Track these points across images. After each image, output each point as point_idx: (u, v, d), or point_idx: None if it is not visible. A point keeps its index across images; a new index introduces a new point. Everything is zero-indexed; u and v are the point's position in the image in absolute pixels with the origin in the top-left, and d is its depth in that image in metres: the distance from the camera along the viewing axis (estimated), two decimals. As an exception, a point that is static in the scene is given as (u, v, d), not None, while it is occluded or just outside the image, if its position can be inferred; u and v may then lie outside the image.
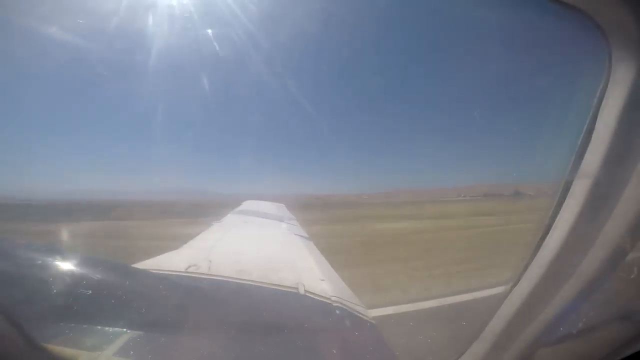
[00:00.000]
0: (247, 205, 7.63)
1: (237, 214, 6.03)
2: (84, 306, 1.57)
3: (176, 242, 3.61)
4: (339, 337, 1.85)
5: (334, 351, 1.72)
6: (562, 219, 0.97)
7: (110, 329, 1.53)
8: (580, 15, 0.83)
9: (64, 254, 1.77)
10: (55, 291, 1.54)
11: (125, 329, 1.53)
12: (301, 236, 4.63)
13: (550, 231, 1.00)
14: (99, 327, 1.53)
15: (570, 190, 0.96)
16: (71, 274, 1.65)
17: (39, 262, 1.60)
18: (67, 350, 1.24)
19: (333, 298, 2.21)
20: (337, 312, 2.07)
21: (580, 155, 0.93)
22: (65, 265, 1.69)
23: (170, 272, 2.33)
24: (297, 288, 2.27)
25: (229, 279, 2.32)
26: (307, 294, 2.22)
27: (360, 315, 2.15)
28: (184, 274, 2.33)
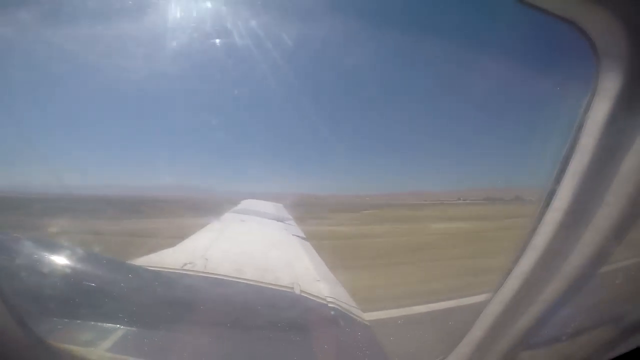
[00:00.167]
0: (246, 204, 7.63)
1: (235, 213, 6.04)
2: (79, 302, 1.58)
3: (173, 239, 3.61)
4: (332, 337, 1.86)
5: (328, 350, 1.73)
6: (545, 225, 1.00)
7: (105, 325, 1.53)
8: (569, 26, 0.85)
9: (59, 250, 1.78)
10: (49, 287, 1.54)
11: (119, 325, 1.54)
12: (298, 237, 4.64)
13: (534, 236, 1.03)
14: (93, 323, 1.53)
15: (555, 195, 0.98)
16: (66, 270, 1.66)
17: (34, 257, 1.60)
18: (62, 346, 1.24)
19: (328, 299, 2.22)
20: (332, 312, 2.08)
21: (565, 162, 0.96)
22: (60, 261, 1.69)
23: (166, 270, 2.34)
24: (292, 288, 2.28)
25: (225, 278, 2.33)
26: (303, 294, 2.23)
27: (355, 317, 2.16)
28: (180, 271, 2.34)
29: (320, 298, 2.23)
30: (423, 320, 4.39)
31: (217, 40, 2.51)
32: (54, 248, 1.77)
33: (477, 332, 1.15)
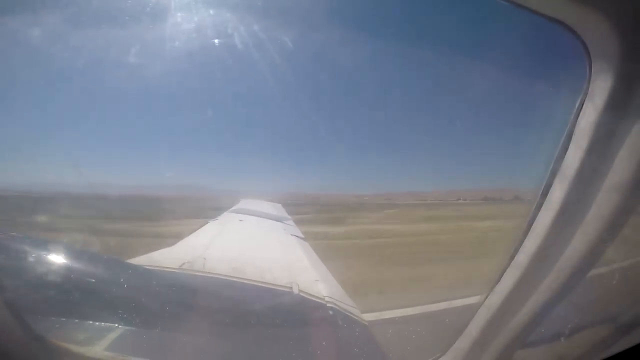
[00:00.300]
0: (244, 204, 7.62)
1: (234, 212, 6.03)
2: (77, 300, 1.58)
3: (171, 238, 3.61)
4: (331, 337, 1.87)
5: (326, 350, 1.74)
6: (538, 225, 1.01)
7: (102, 324, 1.53)
8: (561, 27, 0.86)
9: (57, 248, 1.78)
10: (48, 285, 1.54)
11: (117, 324, 1.54)
12: (297, 236, 4.65)
13: (528, 236, 1.04)
14: (91, 321, 1.53)
15: (548, 195, 0.99)
16: (65, 269, 1.66)
17: (33, 256, 1.60)
18: (61, 344, 1.25)
19: (326, 299, 2.22)
20: (330, 312, 2.08)
21: (558, 163, 0.97)
22: (59, 260, 1.69)
23: (164, 269, 2.34)
24: (291, 288, 2.29)
25: (223, 277, 2.33)
26: (301, 294, 2.23)
27: (353, 316, 2.17)
28: (178, 270, 2.34)
29: (319, 298, 2.24)
30: (420, 320, 4.43)
31: (218, 42, 2.52)
32: (53, 246, 1.77)
33: (473, 330, 1.17)
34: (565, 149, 0.95)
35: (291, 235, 4.67)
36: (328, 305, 2.15)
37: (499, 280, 1.11)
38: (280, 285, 2.33)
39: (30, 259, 1.55)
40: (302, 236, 4.79)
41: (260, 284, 2.30)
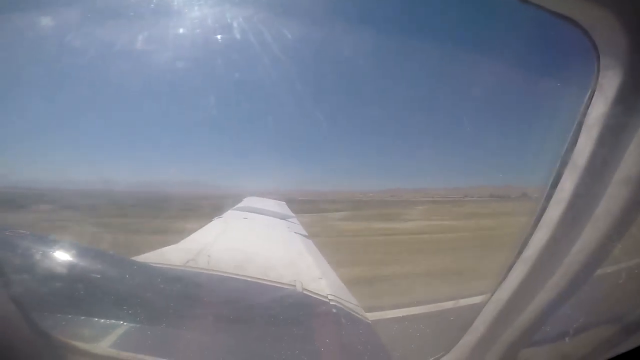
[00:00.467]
0: (248, 201, 7.66)
1: (238, 210, 6.06)
2: (82, 297, 1.59)
3: (176, 236, 3.64)
4: (334, 335, 1.87)
5: (329, 348, 1.74)
6: (544, 223, 1.00)
7: (108, 321, 1.55)
8: (569, 23, 0.86)
9: (63, 246, 1.80)
10: (53, 282, 1.56)
11: (122, 321, 1.55)
12: (301, 234, 4.65)
13: (533, 234, 1.03)
14: (96, 319, 1.55)
15: (554, 193, 0.99)
16: (71, 266, 1.67)
17: (39, 253, 1.62)
18: (67, 341, 1.26)
19: (330, 296, 2.22)
20: (334, 310, 2.08)
21: (564, 160, 0.97)
22: (65, 257, 1.71)
23: (169, 266, 2.36)
24: (294, 285, 2.29)
25: (227, 275, 2.34)
26: (305, 292, 2.23)
27: (356, 314, 2.17)
28: (182, 268, 2.36)
29: (322, 296, 2.24)
30: (425, 318, 4.43)
31: (227, 41, 2.51)
32: (59, 244, 1.79)
33: (477, 329, 1.16)
34: (573, 145, 0.94)
35: (295, 233, 4.68)
36: (331, 303, 2.15)
37: (505, 278, 1.10)
38: (284, 283, 2.33)
39: (37, 256, 1.56)
40: (306, 234, 4.79)
41: (263, 282, 2.31)
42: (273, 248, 3.78)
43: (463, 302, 4.33)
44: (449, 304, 4.55)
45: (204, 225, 4.37)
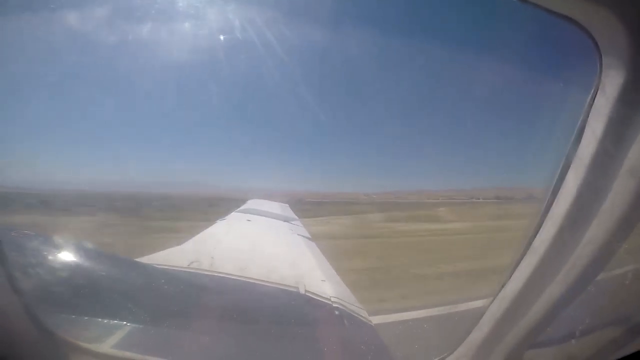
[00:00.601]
0: (252, 204, 7.67)
1: (241, 212, 6.07)
2: (88, 298, 1.61)
3: (180, 237, 3.66)
4: (337, 337, 1.87)
5: (332, 350, 1.73)
6: (548, 224, 1.00)
7: (112, 321, 1.56)
8: (571, 24, 0.86)
9: (69, 247, 1.82)
10: (59, 283, 1.57)
11: (126, 322, 1.56)
12: (304, 237, 4.65)
13: (537, 235, 1.03)
14: (100, 319, 1.56)
15: (558, 194, 0.99)
16: (76, 267, 1.69)
17: (45, 254, 1.64)
18: (71, 340, 1.27)
19: (333, 299, 2.22)
20: (336, 312, 2.08)
21: (568, 161, 0.97)
22: (70, 258, 1.73)
23: (172, 267, 2.37)
24: (297, 287, 2.29)
25: (230, 276, 2.35)
26: (308, 294, 2.23)
27: (359, 317, 2.16)
28: (186, 269, 2.37)
29: (325, 298, 2.24)
30: (428, 319, 4.41)
31: (223, 41, 2.53)
32: (64, 245, 1.81)
33: (481, 330, 1.15)
34: (577, 144, 0.94)
35: (298, 235, 4.68)
36: (334, 305, 2.14)
37: (509, 279, 1.10)
38: (287, 285, 2.33)
39: (43, 257, 1.58)
40: (309, 236, 4.79)
41: (266, 284, 2.31)
42: (276, 250, 3.78)
43: (467, 304, 4.31)
44: (454, 307, 4.52)
45: (207, 228, 4.38)
